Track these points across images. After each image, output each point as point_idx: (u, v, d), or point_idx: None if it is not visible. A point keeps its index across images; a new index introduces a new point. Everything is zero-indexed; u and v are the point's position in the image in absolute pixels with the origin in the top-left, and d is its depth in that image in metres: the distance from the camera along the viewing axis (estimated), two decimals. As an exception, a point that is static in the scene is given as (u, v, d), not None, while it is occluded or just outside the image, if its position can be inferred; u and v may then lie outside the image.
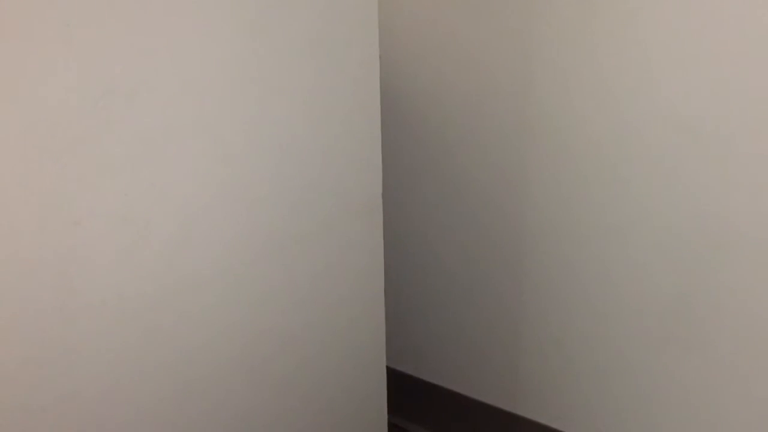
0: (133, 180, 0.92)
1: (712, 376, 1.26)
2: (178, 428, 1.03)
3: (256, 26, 1.01)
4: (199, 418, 1.06)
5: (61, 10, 0.82)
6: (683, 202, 1.23)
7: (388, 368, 1.40)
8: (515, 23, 1.35)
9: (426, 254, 1.62)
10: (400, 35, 1.53)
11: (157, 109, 0.92)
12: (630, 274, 1.32)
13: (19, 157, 0.82)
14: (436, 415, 1.70)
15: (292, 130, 1.08)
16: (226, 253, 1.04)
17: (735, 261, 1.19)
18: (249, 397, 1.13)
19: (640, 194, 1.27)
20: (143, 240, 0.94)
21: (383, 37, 1.47)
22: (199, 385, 1.05)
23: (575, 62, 1.29)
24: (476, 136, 1.46)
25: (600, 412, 1.43)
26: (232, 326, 1.07)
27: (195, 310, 1.02)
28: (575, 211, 1.36)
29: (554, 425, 1.51)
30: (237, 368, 1.10)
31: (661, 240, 1.27)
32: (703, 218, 1.21)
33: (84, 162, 0.87)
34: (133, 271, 0.94)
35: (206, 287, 1.03)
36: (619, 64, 1.24)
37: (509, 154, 1.43)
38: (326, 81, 1.11)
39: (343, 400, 1.29)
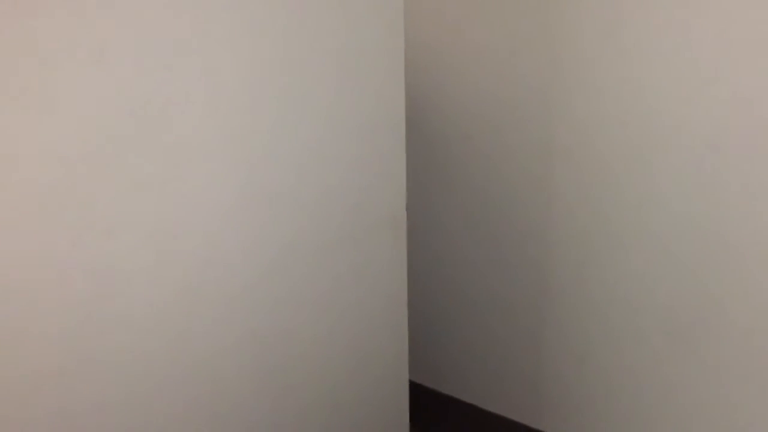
0: (164, 193, 0.93)
1: (739, 393, 1.25)
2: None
3: (282, 42, 1.02)
4: (221, 425, 1.07)
5: (96, 31, 0.84)
6: (712, 220, 1.22)
7: (410, 382, 1.39)
8: (541, 37, 1.36)
9: (448, 268, 1.62)
10: (425, 49, 1.54)
11: (188, 125, 0.94)
12: (654, 290, 1.31)
13: (56, 171, 0.83)
14: (457, 429, 1.69)
15: (317, 144, 1.09)
16: (251, 264, 1.05)
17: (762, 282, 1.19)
18: (270, 408, 1.13)
19: (666, 212, 1.27)
20: (173, 250, 0.95)
21: (408, 51, 1.48)
22: (222, 393, 1.06)
23: (600, 75, 1.30)
24: (502, 149, 1.47)
25: (623, 427, 1.42)
26: (255, 335, 1.08)
27: (221, 318, 1.03)
28: (599, 228, 1.36)
29: (577, 441, 1.50)
30: (258, 378, 1.10)
31: (687, 257, 1.26)
32: (729, 236, 1.21)
33: (118, 176, 0.88)
34: (163, 280, 0.95)
35: (232, 297, 1.04)
36: (645, 75, 1.24)
37: (530, 172, 1.43)
38: (352, 96, 1.12)
39: (365, 413, 1.29)
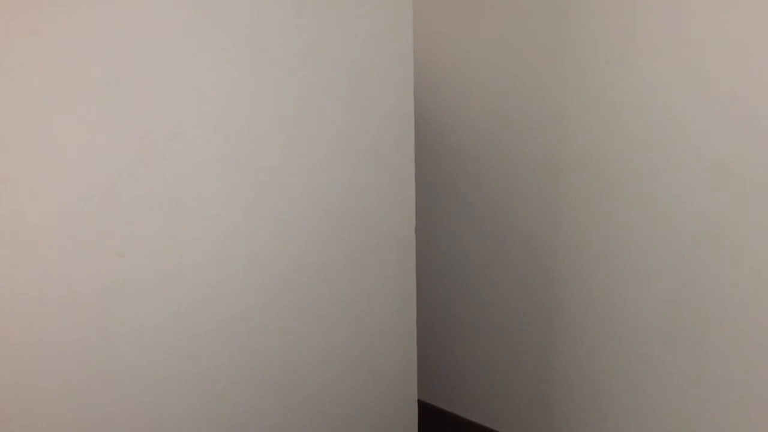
0: (174, 214, 0.94)
1: (748, 414, 1.25)
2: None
3: (292, 64, 1.03)
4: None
5: (109, 55, 0.85)
6: (729, 235, 1.22)
7: (419, 401, 1.39)
8: (549, 54, 1.36)
9: (457, 288, 1.63)
10: (433, 67, 1.55)
11: (198, 147, 0.95)
12: (661, 309, 1.31)
13: (68, 193, 0.85)
14: (466, 449, 1.69)
15: (327, 165, 1.10)
16: (260, 284, 1.06)
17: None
18: (276, 428, 1.13)
19: (681, 228, 1.27)
20: (183, 271, 0.96)
21: (417, 69, 1.49)
22: (228, 410, 1.06)
23: (610, 91, 1.30)
24: (511, 166, 1.47)
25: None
26: (261, 354, 1.09)
27: (227, 336, 1.04)
28: (606, 248, 1.36)
29: (586, 462, 1.49)
30: (264, 397, 1.11)
31: (704, 274, 1.26)
32: (746, 254, 1.20)
33: (128, 198, 0.89)
34: (172, 301, 0.96)
35: (238, 315, 1.04)
36: (655, 90, 1.25)
37: (540, 189, 1.43)
38: (361, 116, 1.13)
39: (374, 433, 1.29)
